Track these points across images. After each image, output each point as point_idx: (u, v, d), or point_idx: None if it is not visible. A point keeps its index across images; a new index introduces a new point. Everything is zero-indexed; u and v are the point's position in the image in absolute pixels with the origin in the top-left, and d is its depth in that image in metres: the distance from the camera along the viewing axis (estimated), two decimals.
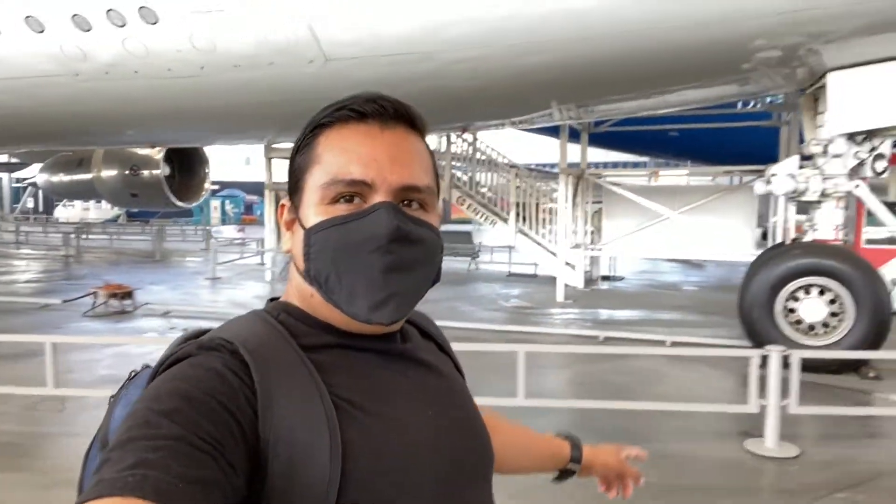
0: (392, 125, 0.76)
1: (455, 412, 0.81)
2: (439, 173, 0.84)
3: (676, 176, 16.72)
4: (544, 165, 19.57)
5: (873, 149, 5.92)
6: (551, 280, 10.72)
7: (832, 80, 5.57)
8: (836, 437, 4.32)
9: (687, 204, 9.82)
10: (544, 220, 11.56)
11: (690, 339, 6.88)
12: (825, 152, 5.92)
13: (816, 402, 4.65)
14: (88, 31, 6.01)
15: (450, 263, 14.79)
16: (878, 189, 9.95)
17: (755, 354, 3.91)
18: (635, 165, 27.08)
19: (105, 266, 15.45)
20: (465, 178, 13.12)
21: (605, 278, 12.77)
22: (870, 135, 5.89)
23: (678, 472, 3.76)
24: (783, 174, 5.98)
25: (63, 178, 20.92)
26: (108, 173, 19.74)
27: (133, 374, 0.81)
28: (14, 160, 23.27)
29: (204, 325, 0.82)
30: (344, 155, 0.74)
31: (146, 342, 6.13)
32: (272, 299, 0.83)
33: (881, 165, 5.94)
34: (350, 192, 0.73)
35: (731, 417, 4.27)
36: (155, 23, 5.79)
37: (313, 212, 0.75)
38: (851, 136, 5.91)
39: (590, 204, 11.72)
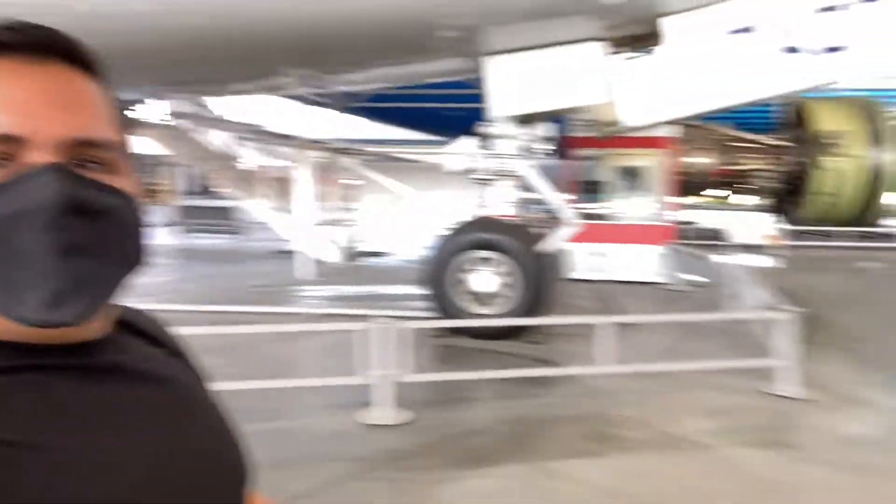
0: (49, 60, 0.59)
1: (192, 434, 0.66)
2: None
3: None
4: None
5: (537, 131, 6.40)
6: (307, 257, 10.49)
7: (491, 64, 5.89)
8: (455, 402, 4.57)
9: (432, 182, 10.04)
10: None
11: (389, 314, 7.04)
12: (494, 133, 6.28)
13: (476, 367, 4.98)
14: None
15: (209, 240, 14.07)
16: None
17: (356, 328, 4.00)
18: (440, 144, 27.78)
19: None
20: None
21: (368, 254, 12.82)
22: (532, 118, 6.35)
23: (284, 445, 3.77)
24: (457, 153, 6.26)
25: None
26: None
27: None
28: None
29: None
30: None
31: None
32: None
33: (546, 147, 6.44)
34: None
35: (364, 390, 4.33)
36: None
37: None
38: (518, 118, 6.33)
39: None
